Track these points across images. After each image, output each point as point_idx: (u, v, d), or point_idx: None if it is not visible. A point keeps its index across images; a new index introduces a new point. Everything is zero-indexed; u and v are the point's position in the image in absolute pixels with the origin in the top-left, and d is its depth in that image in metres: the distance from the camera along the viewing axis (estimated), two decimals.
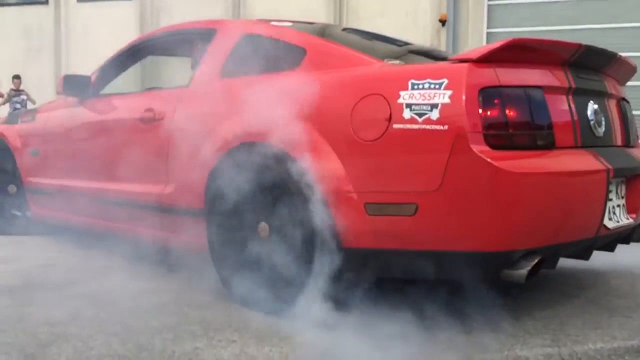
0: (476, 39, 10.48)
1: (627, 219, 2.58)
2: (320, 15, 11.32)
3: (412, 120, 2.16)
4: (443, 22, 10.66)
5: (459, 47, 10.66)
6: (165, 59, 4.60)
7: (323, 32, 3.33)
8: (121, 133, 3.33)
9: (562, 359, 2.06)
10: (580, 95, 2.42)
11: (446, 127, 2.10)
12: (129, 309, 2.50)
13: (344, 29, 3.72)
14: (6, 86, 12.48)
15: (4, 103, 12.10)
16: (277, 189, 2.45)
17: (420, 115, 2.15)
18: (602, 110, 2.54)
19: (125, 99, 3.53)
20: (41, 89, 12.84)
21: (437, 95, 2.14)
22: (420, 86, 2.19)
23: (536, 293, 2.81)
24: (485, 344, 2.16)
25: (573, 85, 2.38)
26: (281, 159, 2.41)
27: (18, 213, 4.34)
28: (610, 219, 2.44)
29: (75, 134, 3.73)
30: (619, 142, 2.70)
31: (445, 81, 2.15)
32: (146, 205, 3.08)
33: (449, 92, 2.12)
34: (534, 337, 2.24)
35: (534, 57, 2.32)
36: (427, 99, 2.16)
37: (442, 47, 10.71)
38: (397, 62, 2.52)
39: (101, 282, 2.93)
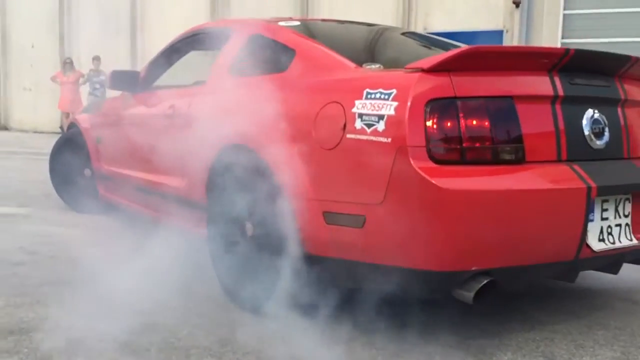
0: (551, 21, 10.14)
1: (631, 239, 2.34)
2: (390, 10, 11.21)
3: (362, 131, 2.11)
4: (517, 3, 10.33)
5: (533, 30, 10.35)
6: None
7: (332, 32, 3.28)
8: (153, 127, 3.55)
9: None
10: (573, 103, 2.23)
11: (389, 139, 2.03)
12: (214, 300, 2.66)
13: (404, 33, 3.65)
14: (86, 66, 13.03)
15: (84, 83, 12.63)
16: (256, 191, 2.49)
17: (369, 126, 2.09)
18: (610, 119, 2.33)
19: (163, 94, 3.69)
20: (118, 68, 13.33)
21: (385, 106, 2.07)
22: (373, 96, 2.12)
23: (609, 301, 2.80)
24: (555, 353, 2.19)
25: (560, 93, 2.19)
26: (256, 163, 2.48)
27: (92, 194, 4.64)
28: (601, 240, 2.24)
29: (122, 126, 4.02)
30: (635, 154, 2.44)
31: (394, 92, 2.07)
32: (170, 196, 3.29)
33: (395, 104, 2.04)
34: (603, 348, 2.25)
35: (509, 64, 2.15)
36: (376, 109, 2.09)
37: (515, 29, 10.42)
38: (376, 66, 2.41)
39: (182, 272, 3.09)
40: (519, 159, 2.09)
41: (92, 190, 4.53)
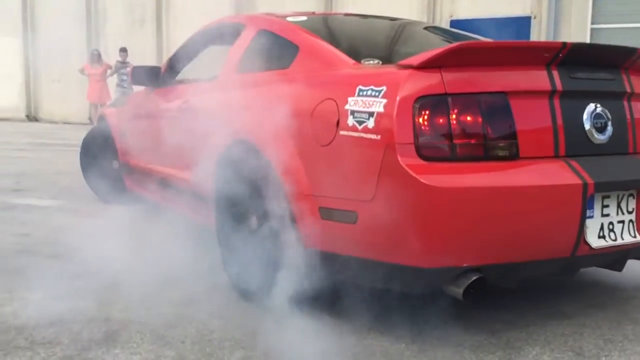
0: (580, 7, 9.96)
1: (635, 236, 2.30)
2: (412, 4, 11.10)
3: (353, 128, 2.13)
4: None
5: (562, 16, 10.18)
6: None
7: (343, 27, 3.29)
8: (168, 122, 3.64)
9: None
10: (573, 98, 2.20)
11: (379, 136, 2.04)
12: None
13: (426, 27, 3.65)
14: (113, 58, 13.20)
15: (111, 74, 12.80)
16: (258, 186, 2.54)
17: (360, 123, 2.11)
18: (614, 113, 2.28)
19: (180, 89, 3.76)
20: (144, 60, 13.48)
21: (375, 103, 2.08)
22: (364, 93, 2.13)
23: (639, 295, 2.78)
24: (583, 348, 2.20)
25: (559, 88, 2.16)
26: (258, 158, 2.53)
27: (119, 186, 4.75)
28: (601, 236, 2.21)
29: (142, 120, 4.14)
30: None
31: (384, 89, 2.08)
32: (184, 189, 3.37)
33: (384, 101, 2.05)
34: (632, 343, 2.25)
35: (504, 59, 2.13)
36: (366, 106, 2.10)
37: (544, 15, 10.26)
38: (375, 62, 2.42)
39: (209, 265, 3.16)
40: (513, 155, 2.08)
41: (120, 182, 4.64)
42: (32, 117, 16.04)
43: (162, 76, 3.99)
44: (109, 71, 12.79)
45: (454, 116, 2.02)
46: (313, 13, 3.78)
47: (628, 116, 2.34)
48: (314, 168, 2.29)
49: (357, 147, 2.11)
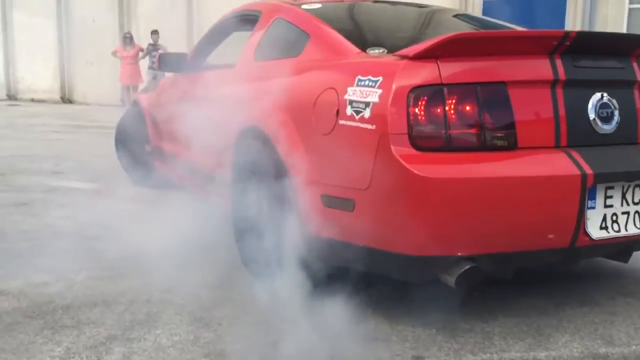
0: None
1: None
2: None
3: (351, 117, 2.16)
4: None
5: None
6: None
7: (359, 15, 3.29)
8: (191, 107, 3.71)
9: None
10: (577, 87, 2.17)
11: (374, 126, 2.07)
12: None
13: (455, 15, 3.62)
14: (145, 41, 13.34)
15: (143, 57, 12.95)
16: (268, 173, 2.60)
17: (357, 112, 2.14)
18: (622, 102, 2.24)
19: (203, 75, 3.82)
20: (175, 42, 13.60)
21: (371, 93, 2.11)
22: (363, 83, 2.16)
23: None
24: (613, 336, 2.22)
25: (562, 77, 2.13)
26: (267, 145, 2.60)
27: (151, 169, 4.87)
28: (603, 227, 2.18)
29: (168, 105, 4.25)
30: None
31: (381, 79, 2.10)
32: (204, 172, 3.47)
33: (380, 91, 2.08)
34: None
35: (502, 49, 2.12)
36: (363, 96, 2.13)
37: None
38: (380, 51, 2.42)
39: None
40: (510, 146, 2.07)
41: (152, 165, 4.76)
42: (66, 99, 16.35)
43: (188, 63, 4.06)
44: (140, 53, 12.95)
45: (449, 106, 2.03)
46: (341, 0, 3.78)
47: (638, 105, 2.30)
48: (316, 156, 2.34)
49: (355, 137, 2.15)
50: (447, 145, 2.03)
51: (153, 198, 4.46)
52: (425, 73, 2.04)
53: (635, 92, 2.31)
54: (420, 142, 2.02)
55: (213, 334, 2.20)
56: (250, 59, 3.25)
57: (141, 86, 13.00)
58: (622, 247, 2.32)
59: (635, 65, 2.31)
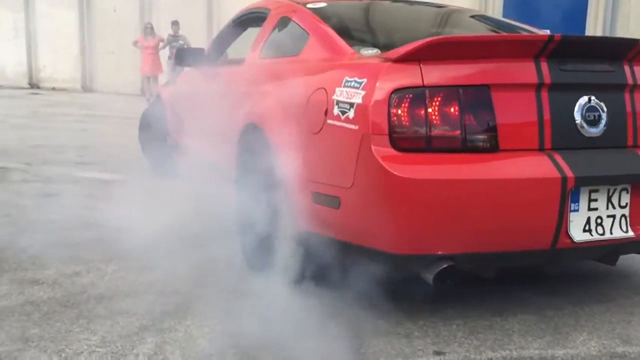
0: None
1: (627, 231, 2.25)
2: None
3: (338, 117, 2.22)
4: None
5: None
6: None
7: (365, 14, 3.35)
8: (202, 102, 3.85)
9: None
10: (562, 90, 2.18)
11: (357, 127, 2.13)
12: None
13: (473, 16, 3.63)
14: (165, 31, 13.42)
15: (163, 47, 13.03)
16: (265, 168, 2.66)
17: (343, 113, 2.20)
18: (611, 106, 2.24)
19: (216, 70, 3.90)
20: (195, 32, 13.68)
21: (356, 94, 2.16)
22: (349, 84, 2.22)
23: None
24: (630, 335, 2.27)
25: (547, 81, 2.14)
26: (264, 142, 2.68)
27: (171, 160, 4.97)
28: (587, 230, 2.19)
29: (183, 99, 4.39)
30: None
31: (365, 81, 2.16)
32: (212, 166, 3.59)
33: (363, 93, 2.13)
34: None
35: (487, 52, 2.14)
36: (349, 97, 2.19)
37: None
38: (373, 52, 2.46)
39: None
40: (492, 148, 2.10)
41: (172, 157, 4.86)
42: (87, 88, 16.53)
43: (203, 58, 4.13)
44: (161, 44, 13.03)
45: (431, 108, 2.07)
46: None
47: (629, 109, 2.29)
48: (307, 154, 2.41)
49: (340, 136, 2.21)
50: (428, 147, 2.08)
51: (177, 189, 4.56)
52: (407, 75, 2.09)
53: (626, 95, 2.30)
54: (401, 143, 2.07)
55: (239, 327, 2.28)
56: (257, 56, 3.35)
57: (161, 76, 13.13)
58: (608, 251, 2.33)
59: (626, 68, 2.30)
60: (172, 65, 11.90)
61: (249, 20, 3.93)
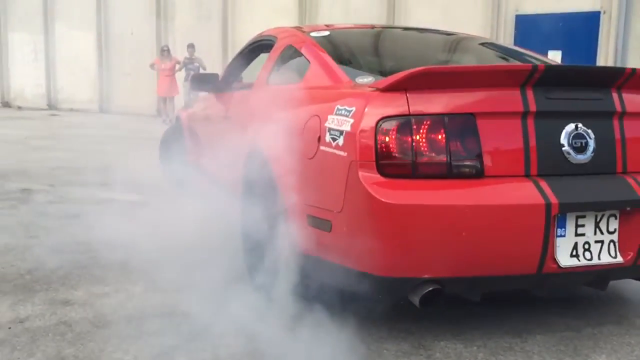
0: None
1: (616, 257, 2.27)
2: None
3: (329, 144, 2.32)
4: None
5: (633, 11, 9.89)
6: None
7: (366, 43, 3.49)
8: (214, 126, 4.03)
9: None
10: (549, 118, 2.23)
11: (346, 153, 2.22)
12: None
13: (482, 44, 3.72)
14: (180, 52, 13.67)
15: (179, 69, 13.27)
16: (267, 193, 2.77)
17: (334, 139, 2.30)
18: (599, 133, 2.28)
19: (228, 95, 4.05)
20: (210, 55, 13.91)
21: (345, 122, 2.26)
22: (340, 112, 2.32)
23: None
24: None
25: (532, 109, 2.19)
26: (265, 167, 2.79)
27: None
28: (574, 255, 2.22)
29: (197, 123, 4.58)
30: (635, 169, 2.34)
31: (354, 109, 2.25)
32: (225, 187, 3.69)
33: (352, 121, 2.23)
34: None
35: (472, 82, 2.21)
36: (339, 125, 2.29)
37: (614, 10, 10.00)
38: (367, 81, 2.54)
39: None
40: (477, 174, 2.16)
41: (191, 178, 4.97)
42: (104, 109, 16.79)
43: (218, 83, 4.28)
44: (177, 66, 13.27)
45: (416, 136, 2.14)
46: (372, 26, 3.95)
47: (617, 136, 2.33)
48: (303, 178, 2.51)
49: (331, 162, 2.31)
50: (414, 173, 2.15)
51: (195, 210, 4.65)
52: (394, 104, 2.17)
53: (615, 122, 2.33)
54: (388, 170, 2.15)
55: (268, 347, 2.34)
56: (263, 82, 3.50)
57: (177, 97, 13.35)
58: (597, 276, 2.35)
59: (615, 96, 2.33)
60: (187, 87, 12.17)
61: (259, 47, 4.09)
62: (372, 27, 4.02)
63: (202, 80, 4.33)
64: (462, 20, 11.19)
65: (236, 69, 4.39)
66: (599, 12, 10.27)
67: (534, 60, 3.29)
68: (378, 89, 2.24)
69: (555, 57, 10.47)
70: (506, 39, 11.14)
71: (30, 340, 2.37)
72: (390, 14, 12.18)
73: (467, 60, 3.47)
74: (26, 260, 3.37)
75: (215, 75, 4.36)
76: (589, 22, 10.25)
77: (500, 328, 2.51)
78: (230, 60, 4.67)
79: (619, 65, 10.01)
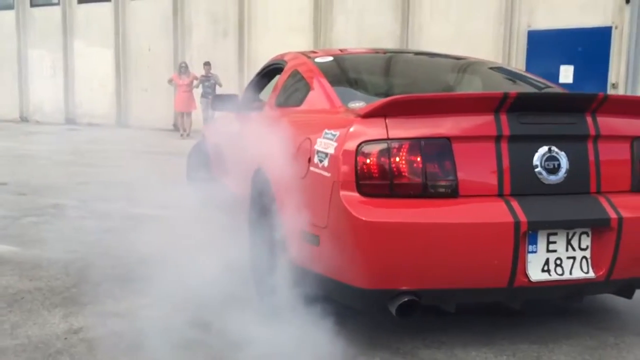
0: None
1: (588, 272, 2.38)
2: (493, 9, 11.18)
3: (317, 165, 2.52)
4: None
5: None
6: None
7: (366, 68, 3.70)
8: (229, 144, 4.29)
9: None
10: (522, 141, 2.36)
11: (330, 174, 2.41)
12: None
13: (491, 68, 3.86)
14: (197, 68, 13.92)
15: (196, 86, 13.53)
16: (269, 209, 2.96)
17: (320, 161, 2.50)
18: (572, 155, 2.39)
19: (244, 116, 4.25)
20: (227, 71, 14.16)
21: (330, 145, 2.46)
22: (327, 135, 2.52)
23: None
24: None
25: (506, 133, 2.33)
26: (267, 185, 3.00)
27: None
28: (545, 270, 2.35)
29: (217, 141, 4.84)
30: (608, 189, 2.45)
31: (338, 133, 2.44)
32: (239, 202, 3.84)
33: (335, 144, 2.42)
34: None
35: (447, 108, 2.37)
36: (325, 147, 2.49)
37: (625, 26, 10.14)
38: (357, 105, 2.71)
39: None
40: (452, 194, 2.32)
41: (214, 193, 5.16)
42: (121, 124, 17.08)
43: (237, 103, 4.49)
44: (195, 82, 13.53)
45: (394, 158, 2.31)
46: (384, 52, 4.13)
47: (591, 158, 2.44)
48: (297, 196, 2.68)
49: (318, 182, 2.51)
50: (391, 193, 2.32)
51: (219, 224, 4.79)
52: (373, 129, 2.35)
53: (589, 145, 2.44)
54: (367, 190, 2.33)
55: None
56: (273, 104, 3.74)
57: (194, 112, 13.58)
58: (570, 291, 2.47)
59: (589, 120, 2.44)
60: (204, 103, 12.41)
61: (272, 70, 4.37)
62: (384, 52, 4.21)
63: (222, 101, 4.57)
64: (475, 36, 11.38)
65: (253, 90, 4.66)
66: (610, 27, 10.41)
67: (539, 85, 3.44)
68: (360, 115, 2.44)
69: (567, 72, 10.62)
70: (518, 54, 11.30)
71: (86, 350, 2.54)
72: (404, 30, 12.38)
73: (469, 86, 3.65)
74: (70, 275, 3.55)
75: (234, 96, 4.63)
76: (601, 37, 10.39)
77: (527, 338, 2.65)
78: (246, 77, 4.95)
79: (630, 79, 10.13)
